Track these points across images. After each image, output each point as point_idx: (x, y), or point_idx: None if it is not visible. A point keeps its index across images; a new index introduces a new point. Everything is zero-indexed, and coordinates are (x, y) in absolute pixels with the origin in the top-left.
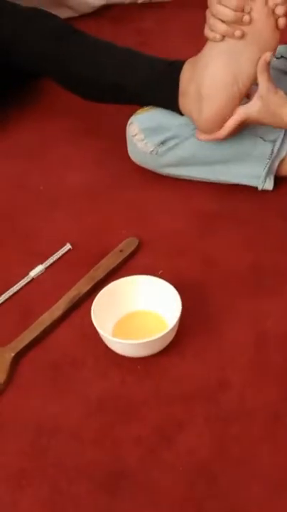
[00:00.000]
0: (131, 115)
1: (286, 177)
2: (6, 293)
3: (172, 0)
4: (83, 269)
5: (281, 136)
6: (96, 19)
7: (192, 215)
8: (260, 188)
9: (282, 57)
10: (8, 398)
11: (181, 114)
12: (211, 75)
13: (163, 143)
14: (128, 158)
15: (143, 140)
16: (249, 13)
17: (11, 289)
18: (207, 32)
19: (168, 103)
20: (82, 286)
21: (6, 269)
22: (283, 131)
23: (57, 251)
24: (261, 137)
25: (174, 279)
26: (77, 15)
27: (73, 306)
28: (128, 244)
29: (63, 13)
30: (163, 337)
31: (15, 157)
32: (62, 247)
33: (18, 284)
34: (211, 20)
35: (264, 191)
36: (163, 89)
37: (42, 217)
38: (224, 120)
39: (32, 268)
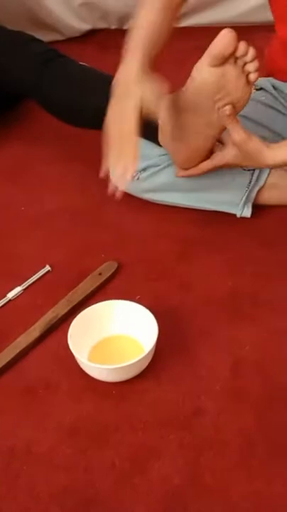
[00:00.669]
0: None
1: (265, 205)
2: None
3: None
4: (61, 292)
5: None
6: (82, 43)
7: (171, 239)
8: (238, 215)
9: (261, 88)
10: None
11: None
12: (185, 120)
13: (144, 169)
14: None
15: None
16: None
17: None
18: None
19: (148, 135)
20: (60, 309)
21: None
22: None
23: (35, 272)
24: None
25: (151, 304)
26: (63, 38)
27: (49, 329)
28: (107, 268)
29: (50, 36)
30: (139, 362)
31: None
32: (41, 269)
33: None
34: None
35: (244, 218)
36: (144, 122)
37: (22, 238)
38: (200, 158)
39: (10, 289)
